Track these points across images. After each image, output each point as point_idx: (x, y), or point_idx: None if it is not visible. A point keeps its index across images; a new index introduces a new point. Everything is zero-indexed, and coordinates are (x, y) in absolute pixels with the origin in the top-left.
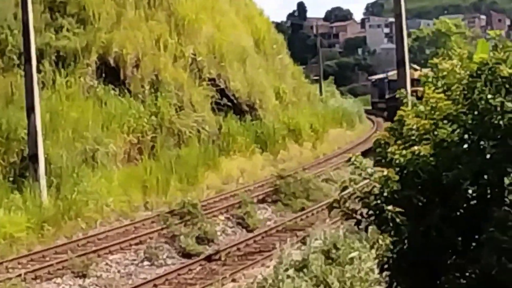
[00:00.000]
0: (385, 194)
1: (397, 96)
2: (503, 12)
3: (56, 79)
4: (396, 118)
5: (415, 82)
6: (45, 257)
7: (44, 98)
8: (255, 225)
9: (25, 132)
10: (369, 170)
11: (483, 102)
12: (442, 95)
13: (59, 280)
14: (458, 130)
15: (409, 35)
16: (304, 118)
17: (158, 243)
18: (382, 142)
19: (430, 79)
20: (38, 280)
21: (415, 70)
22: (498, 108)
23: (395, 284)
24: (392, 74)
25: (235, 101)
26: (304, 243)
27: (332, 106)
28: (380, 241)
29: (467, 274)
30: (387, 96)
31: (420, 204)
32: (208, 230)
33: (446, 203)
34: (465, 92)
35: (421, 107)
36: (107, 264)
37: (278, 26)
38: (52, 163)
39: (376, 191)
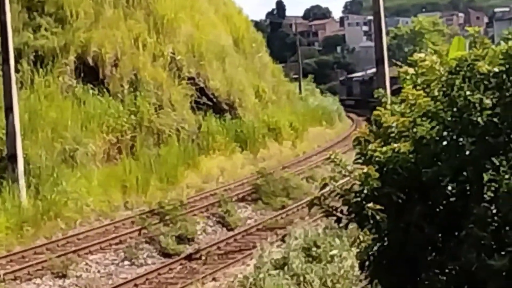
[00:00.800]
0: (365, 191)
1: (376, 95)
2: (481, 10)
3: (34, 78)
4: (372, 118)
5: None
6: (25, 258)
7: (22, 98)
8: (236, 224)
9: (3, 132)
10: (349, 168)
11: (462, 99)
12: (421, 92)
13: (38, 280)
14: (437, 127)
15: (387, 33)
16: (284, 117)
17: (139, 242)
18: (362, 139)
19: (409, 76)
20: (17, 281)
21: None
22: (477, 105)
23: (375, 281)
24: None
25: (214, 100)
26: (285, 241)
27: (311, 104)
28: (361, 238)
29: (447, 270)
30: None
31: (400, 201)
32: (189, 229)
33: (425, 200)
34: (444, 89)
35: (396, 106)
36: (87, 264)
37: (257, 25)
38: (31, 163)
39: (356, 188)
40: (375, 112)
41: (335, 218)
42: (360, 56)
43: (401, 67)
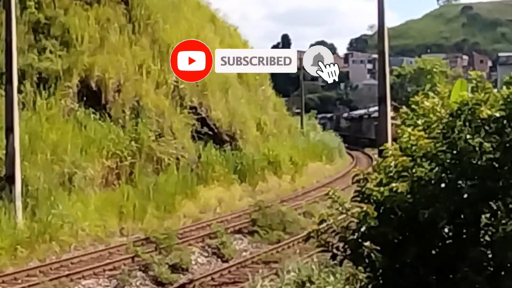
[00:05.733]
0: (362, 229)
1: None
2: (485, 53)
3: (36, 100)
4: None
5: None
6: (17, 279)
7: (24, 119)
8: (231, 256)
9: (3, 152)
10: (347, 205)
11: (462, 141)
12: (422, 133)
13: None
14: (436, 169)
15: (391, 72)
16: (284, 151)
17: (132, 270)
18: (361, 178)
19: (410, 117)
20: None
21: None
22: (477, 149)
23: None
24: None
25: (215, 130)
26: (278, 275)
27: (312, 139)
28: (356, 276)
29: None
30: None
31: (396, 241)
32: (183, 259)
33: (421, 241)
34: (445, 131)
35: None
36: None
37: None
38: (29, 184)
39: (353, 226)
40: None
41: (330, 254)
42: (363, 93)
43: (398, 108)
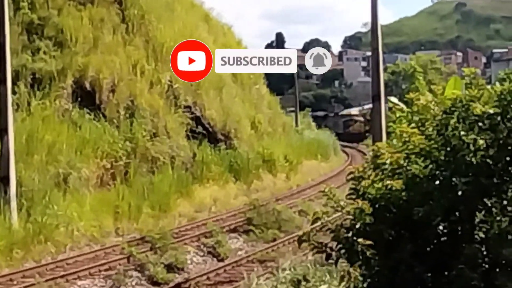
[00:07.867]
0: (357, 226)
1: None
2: (479, 50)
3: (31, 101)
4: (372, 152)
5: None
6: (13, 281)
7: (18, 120)
8: (226, 255)
9: None
10: (342, 203)
11: (456, 138)
12: (415, 130)
13: None
14: (430, 166)
15: (385, 69)
16: (279, 149)
17: (128, 270)
18: (356, 175)
19: (404, 114)
20: None
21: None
22: (471, 145)
23: None
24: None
25: (210, 129)
26: (274, 274)
27: (307, 137)
28: (351, 274)
29: None
30: None
31: (391, 238)
32: (178, 258)
33: (416, 238)
34: (439, 128)
35: (394, 141)
36: None
37: None
38: (23, 185)
39: (347, 224)
40: (372, 146)
41: (325, 254)
42: (357, 91)
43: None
